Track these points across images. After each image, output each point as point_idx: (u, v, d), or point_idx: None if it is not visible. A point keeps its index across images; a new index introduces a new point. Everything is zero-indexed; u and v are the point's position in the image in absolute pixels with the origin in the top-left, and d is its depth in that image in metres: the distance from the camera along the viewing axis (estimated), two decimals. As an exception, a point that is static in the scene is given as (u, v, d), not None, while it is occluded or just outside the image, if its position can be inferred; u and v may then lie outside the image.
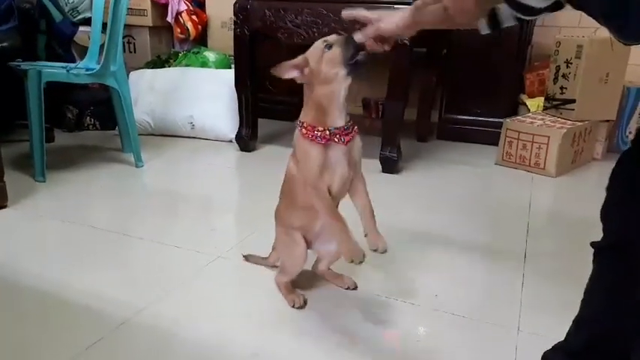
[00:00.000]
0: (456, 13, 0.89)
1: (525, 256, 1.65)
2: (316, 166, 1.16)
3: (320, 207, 1.17)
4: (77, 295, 1.35)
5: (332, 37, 1.15)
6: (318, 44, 1.15)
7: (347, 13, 1.08)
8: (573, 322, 0.94)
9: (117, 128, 2.78)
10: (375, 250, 1.16)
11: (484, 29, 0.92)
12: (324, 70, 1.13)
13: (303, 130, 1.17)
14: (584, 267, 1.61)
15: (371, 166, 2.43)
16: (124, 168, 2.46)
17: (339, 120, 1.16)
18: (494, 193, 2.39)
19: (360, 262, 1.11)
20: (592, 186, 2.52)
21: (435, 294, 1.40)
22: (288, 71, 1.16)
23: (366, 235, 1.19)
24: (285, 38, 2.53)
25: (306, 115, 1.18)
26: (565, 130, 2.51)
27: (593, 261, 0.92)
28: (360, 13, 1.07)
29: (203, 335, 1.20)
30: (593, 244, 0.91)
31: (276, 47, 3.20)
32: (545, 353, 1.00)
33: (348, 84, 1.15)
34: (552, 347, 0.99)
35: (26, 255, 1.59)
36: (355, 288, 1.39)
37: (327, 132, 1.15)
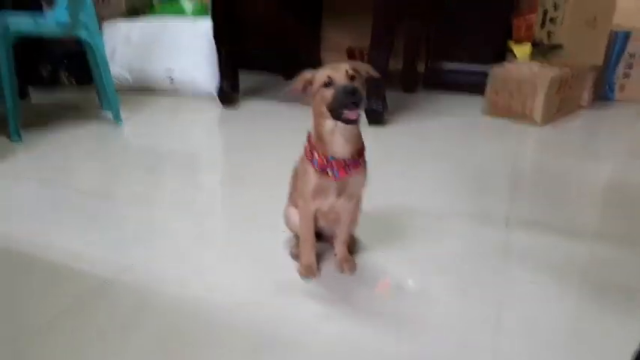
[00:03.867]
0: None
1: (510, 204, 1.65)
2: (310, 189, 1.17)
3: (301, 221, 1.26)
4: (60, 254, 1.33)
5: (340, 77, 1.06)
6: (326, 73, 1.07)
7: None
8: None
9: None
10: (342, 272, 1.27)
11: None
12: (317, 100, 1.09)
13: (307, 146, 1.16)
14: (568, 213, 1.62)
15: (356, 118, 2.40)
16: (103, 126, 2.39)
17: (339, 152, 1.12)
18: (480, 143, 2.38)
19: (306, 277, 1.24)
20: (577, 134, 2.52)
21: (419, 242, 1.41)
22: (300, 83, 1.12)
23: (335, 255, 1.30)
24: (264, -15, 2.42)
25: (313, 133, 1.16)
26: (552, 77, 2.48)
27: None
28: None
29: (189, 288, 1.19)
30: None
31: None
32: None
33: (343, 127, 1.09)
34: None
35: (5, 216, 1.55)
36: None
37: (325, 161, 1.12)
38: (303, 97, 1.14)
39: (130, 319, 1.11)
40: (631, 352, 0.82)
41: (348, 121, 1.07)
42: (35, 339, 1.04)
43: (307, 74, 1.12)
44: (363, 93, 1.07)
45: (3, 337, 1.04)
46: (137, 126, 2.43)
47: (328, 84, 1.07)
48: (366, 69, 1.13)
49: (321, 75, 1.09)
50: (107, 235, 1.47)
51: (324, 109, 1.08)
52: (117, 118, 2.36)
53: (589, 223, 1.59)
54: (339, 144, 1.12)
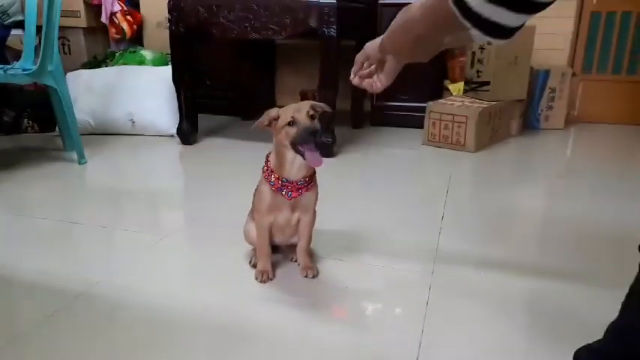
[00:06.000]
0: (394, 52, 0.88)
1: (443, 217, 1.87)
2: (265, 205, 1.37)
3: (257, 232, 1.42)
4: (30, 275, 1.44)
5: (302, 117, 1.25)
6: (290, 113, 1.26)
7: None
8: (612, 324, 0.84)
9: (57, 129, 2.82)
10: (306, 276, 1.44)
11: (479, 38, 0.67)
12: (281, 135, 1.29)
13: (265, 168, 1.37)
14: (495, 224, 1.84)
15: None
16: (67, 165, 2.51)
17: (292, 176, 1.32)
18: (420, 169, 2.63)
19: (262, 281, 1.40)
20: (506, 158, 2.81)
21: (362, 251, 1.59)
22: (266, 119, 1.30)
23: (299, 265, 1.47)
24: (219, 34, 2.65)
25: (272, 157, 1.36)
26: (481, 109, 2.78)
27: None
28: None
29: (155, 300, 1.32)
30: None
31: (212, 43, 3.32)
32: (577, 352, 0.89)
33: (300, 159, 1.29)
34: (586, 347, 0.88)
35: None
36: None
37: (280, 182, 1.33)
38: (267, 130, 1.33)
39: (101, 328, 1.23)
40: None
41: (311, 164, 1.27)
42: (11, 349, 1.15)
43: (273, 112, 1.30)
44: (320, 128, 1.27)
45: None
46: (100, 163, 2.55)
47: (292, 123, 1.26)
48: (322, 106, 1.33)
49: (286, 114, 1.28)
50: (75, 255, 1.60)
51: (287, 143, 1.28)
52: (81, 157, 2.48)
53: (511, 241, 1.82)
54: (294, 170, 1.32)
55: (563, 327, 1.20)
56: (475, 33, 0.64)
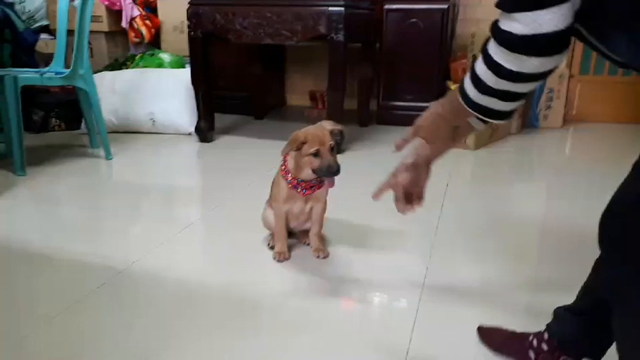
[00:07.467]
0: (425, 130, 1.07)
1: (441, 212, 2.04)
2: (281, 197, 1.58)
3: (275, 219, 1.62)
4: (72, 256, 1.64)
5: (325, 152, 1.45)
6: (316, 145, 1.45)
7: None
8: (581, 287, 1.05)
9: (82, 127, 3.03)
10: (317, 257, 1.63)
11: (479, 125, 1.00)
12: (304, 160, 1.48)
13: (283, 167, 1.57)
14: (491, 222, 2.00)
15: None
16: (95, 161, 2.71)
17: (306, 178, 1.53)
18: (423, 165, 2.80)
19: (279, 261, 1.59)
20: (505, 156, 2.97)
21: (366, 240, 1.77)
22: (295, 145, 1.48)
23: (311, 247, 1.66)
24: (235, 39, 2.84)
25: (290, 162, 1.54)
26: (480, 109, 2.94)
27: None
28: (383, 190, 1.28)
29: (186, 277, 1.52)
30: None
31: (227, 46, 3.51)
32: (556, 309, 1.09)
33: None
34: (564, 306, 1.08)
35: (23, 232, 1.84)
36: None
37: (296, 181, 1.54)
38: (295, 153, 1.50)
39: (142, 300, 1.42)
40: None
41: (327, 186, 1.52)
42: (67, 315, 1.34)
43: (300, 136, 1.47)
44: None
45: (38, 316, 1.35)
46: (125, 159, 2.76)
47: (316, 154, 1.46)
48: (339, 129, 1.56)
49: (311, 143, 1.46)
50: (115, 238, 1.80)
51: (308, 169, 1.48)
52: (107, 153, 2.69)
53: (507, 240, 2.00)
54: (309, 177, 1.53)
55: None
56: (475, 120, 0.88)
